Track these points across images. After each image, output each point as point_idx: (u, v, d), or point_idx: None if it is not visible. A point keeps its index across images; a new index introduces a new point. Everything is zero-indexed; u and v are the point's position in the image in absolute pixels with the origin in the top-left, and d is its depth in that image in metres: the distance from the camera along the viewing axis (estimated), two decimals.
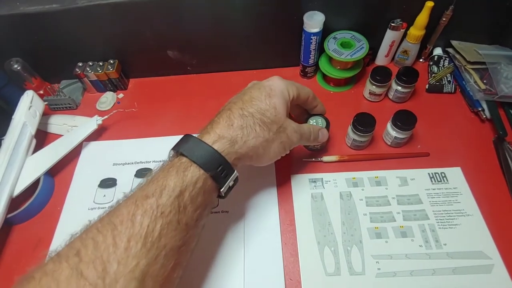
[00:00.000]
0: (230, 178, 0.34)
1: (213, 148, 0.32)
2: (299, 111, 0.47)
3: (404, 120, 0.46)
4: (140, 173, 0.50)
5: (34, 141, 0.51)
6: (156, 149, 0.53)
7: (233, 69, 0.62)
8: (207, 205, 0.33)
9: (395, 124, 0.46)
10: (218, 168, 0.32)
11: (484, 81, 0.52)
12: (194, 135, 0.34)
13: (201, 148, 0.32)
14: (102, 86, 0.60)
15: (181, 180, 0.30)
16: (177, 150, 0.33)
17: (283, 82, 0.38)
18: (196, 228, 0.32)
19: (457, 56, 0.56)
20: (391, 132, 0.47)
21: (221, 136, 0.33)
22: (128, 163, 0.52)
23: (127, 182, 0.49)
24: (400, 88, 0.52)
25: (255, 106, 0.35)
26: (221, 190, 0.33)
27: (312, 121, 0.47)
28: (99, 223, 0.28)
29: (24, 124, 0.49)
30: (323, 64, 0.56)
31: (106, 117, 0.54)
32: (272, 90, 0.37)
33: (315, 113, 0.46)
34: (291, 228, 0.44)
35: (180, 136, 0.54)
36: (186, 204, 0.30)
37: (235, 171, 0.34)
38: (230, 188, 0.35)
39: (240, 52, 0.59)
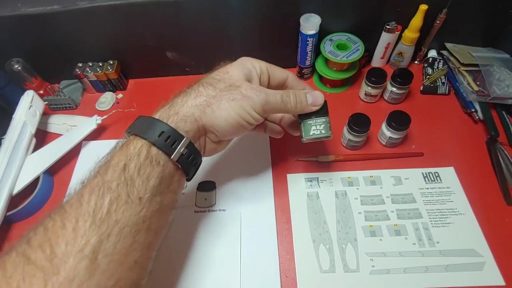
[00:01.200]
0: (180, 145, 0.31)
1: (152, 117, 0.32)
2: None
3: (399, 120, 0.47)
4: None
5: (34, 140, 0.51)
6: None
7: None
8: (161, 178, 0.30)
9: (389, 124, 0.47)
10: (160, 134, 0.30)
11: (477, 83, 0.53)
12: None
13: (142, 121, 0.32)
14: (102, 86, 0.61)
15: (125, 153, 0.29)
16: (126, 130, 0.32)
17: (248, 58, 0.37)
18: (154, 204, 0.30)
19: (451, 58, 0.57)
20: (386, 132, 0.48)
21: (162, 105, 0.33)
22: None
23: None
24: (395, 89, 0.53)
25: (210, 77, 0.35)
26: (172, 157, 0.31)
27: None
28: (52, 211, 0.28)
29: (24, 123, 0.50)
30: (320, 66, 0.57)
31: (105, 117, 0.54)
32: (231, 64, 0.36)
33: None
34: (287, 226, 0.44)
35: None
36: (133, 177, 0.28)
37: (185, 137, 0.31)
38: (184, 156, 0.32)
39: (238, 53, 0.59)
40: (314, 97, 0.38)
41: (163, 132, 0.30)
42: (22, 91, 0.53)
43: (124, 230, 0.27)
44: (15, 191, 0.46)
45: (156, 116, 0.32)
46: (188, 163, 0.33)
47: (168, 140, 0.30)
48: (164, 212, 0.32)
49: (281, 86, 0.39)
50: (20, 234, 0.46)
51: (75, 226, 0.26)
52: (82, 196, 0.27)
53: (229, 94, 0.33)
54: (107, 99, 0.60)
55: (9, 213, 0.45)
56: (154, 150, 0.30)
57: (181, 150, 0.31)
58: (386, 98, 0.56)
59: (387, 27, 0.53)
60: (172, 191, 0.32)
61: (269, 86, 0.38)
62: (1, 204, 0.43)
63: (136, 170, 0.29)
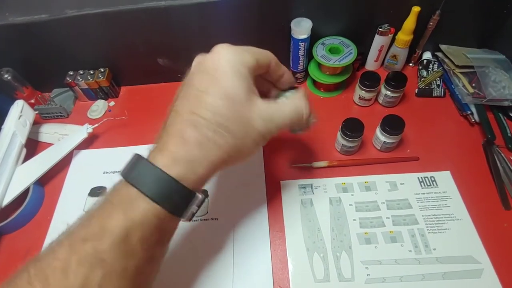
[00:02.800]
0: (193, 205, 0.27)
1: (167, 174, 0.25)
2: (267, 84, 0.36)
3: (393, 124, 0.46)
4: None
5: (24, 151, 0.51)
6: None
7: None
8: (165, 239, 0.28)
9: (383, 129, 0.46)
10: (175, 197, 0.26)
11: (473, 85, 0.52)
12: (145, 154, 0.28)
13: (152, 175, 0.25)
14: (93, 94, 0.60)
15: (127, 218, 0.24)
16: (125, 177, 0.26)
17: (231, 52, 0.29)
18: (152, 264, 0.27)
19: (446, 60, 0.56)
20: (380, 137, 0.48)
21: (176, 159, 0.26)
22: (118, 171, 0.51)
23: None
24: (389, 92, 0.52)
25: (206, 106, 0.27)
26: (183, 220, 0.28)
27: (287, 94, 0.37)
28: (32, 267, 0.24)
29: (14, 133, 0.49)
30: (313, 70, 0.56)
31: (96, 125, 0.54)
32: (217, 70, 0.28)
33: (283, 87, 0.36)
34: (281, 234, 0.43)
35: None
36: (135, 248, 0.24)
37: (199, 196, 0.27)
38: (194, 214, 0.28)
39: None
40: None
41: (178, 194, 0.26)
42: (13, 100, 0.53)
43: None
44: (4, 203, 0.45)
45: (171, 172, 0.25)
46: (193, 216, 0.29)
47: (182, 202, 0.26)
48: (160, 258, 0.28)
49: (266, 73, 0.33)
50: (10, 246, 0.45)
51: None
52: (68, 264, 0.23)
53: (248, 135, 0.28)
54: (98, 107, 0.60)
55: None
56: (165, 214, 0.25)
57: (194, 210, 0.28)
58: (380, 101, 0.55)
59: (380, 29, 0.52)
60: (169, 240, 0.29)
61: (256, 73, 0.32)
62: None
63: (139, 240, 0.24)
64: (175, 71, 0.61)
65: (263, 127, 0.29)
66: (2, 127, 0.50)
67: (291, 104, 0.32)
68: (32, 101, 0.58)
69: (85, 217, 0.26)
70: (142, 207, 0.25)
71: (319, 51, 0.53)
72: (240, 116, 0.28)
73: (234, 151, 0.28)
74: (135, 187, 0.25)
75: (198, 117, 0.27)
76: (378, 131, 0.48)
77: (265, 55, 0.33)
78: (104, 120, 0.55)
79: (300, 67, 0.56)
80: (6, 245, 0.46)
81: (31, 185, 0.48)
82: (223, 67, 0.28)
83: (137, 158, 0.27)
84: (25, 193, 0.47)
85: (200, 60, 0.31)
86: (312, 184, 0.48)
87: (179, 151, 0.26)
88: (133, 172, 0.26)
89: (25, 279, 0.23)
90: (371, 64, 0.59)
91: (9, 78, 0.54)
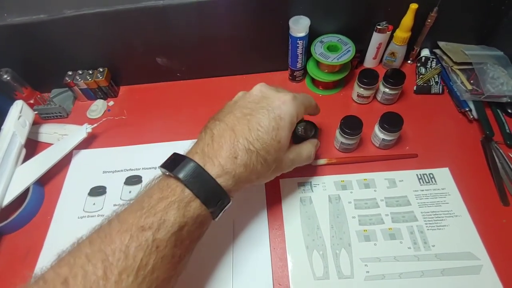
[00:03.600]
0: (226, 207, 0.33)
1: (217, 183, 0.31)
2: None
3: (391, 122, 0.46)
4: (130, 181, 0.50)
5: (24, 151, 0.51)
6: (146, 156, 0.53)
7: (222, 75, 0.63)
8: (201, 234, 0.33)
9: (382, 126, 0.46)
10: (218, 202, 0.31)
11: (471, 82, 0.52)
12: (191, 157, 0.32)
13: (205, 181, 0.31)
14: (92, 94, 0.60)
15: (182, 215, 0.29)
16: (177, 175, 0.30)
17: (293, 106, 0.36)
18: (189, 255, 0.32)
19: (444, 57, 0.56)
20: (379, 134, 0.48)
21: (225, 171, 0.31)
22: (118, 171, 0.52)
23: (116, 190, 0.49)
24: (387, 90, 0.52)
25: (261, 140, 0.33)
26: (215, 219, 0.33)
27: (300, 127, 0.47)
28: (88, 247, 0.27)
29: (14, 134, 0.50)
30: (311, 68, 0.56)
31: (95, 125, 0.54)
32: (281, 119, 0.35)
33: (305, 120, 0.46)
34: (280, 232, 0.44)
35: (169, 143, 0.54)
36: (184, 239, 0.30)
37: (231, 200, 0.33)
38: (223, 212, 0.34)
39: (229, 57, 0.60)
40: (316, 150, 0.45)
41: (221, 199, 0.32)
42: (12, 101, 0.53)
43: (161, 284, 0.28)
44: (4, 203, 0.45)
45: (219, 181, 0.31)
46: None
47: (222, 205, 0.32)
48: (192, 251, 0.33)
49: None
50: (10, 246, 0.46)
51: (117, 280, 0.26)
52: (128, 248, 0.27)
53: (274, 169, 0.37)
54: (98, 107, 0.60)
55: None
56: (208, 215, 0.32)
57: (224, 209, 0.33)
58: (379, 99, 0.55)
59: (378, 27, 0.52)
60: (202, 233, 0.34)
61: None
62: None
63: (187, 233, 0.30)
64: (173, 70, 0.61)
65: (288, 167, 0.39)
66: (2, 127, 0.50)
67: (307, 151, 0.42)
68: (32, 101, 0.58)
69: (137, 206, 0.30)
70: (194, 207, 0.30)
71: (318, 49, 0.53)
72: (279, 156, 0.36)
73: (262, 177, 0.36)
74: (190, 190, 0.30)
75: (252, 146, 0.33)
76: (376, 129, 0.48)
77: (313, 104, 0.42)
78: (104, 120, 0.55)
79: (299, 65, 0.56)
80: (7, 245, 0.46)
81: (31, 185, 0.48)
82: (285, 121, 0.35)
83: (187, 160, 0.31)
84: (25, 193, 0.47)
85: (264, 94, 0.37)
86: (311, 182, 0.48)
87: (228, 166, 0.32)
88: (187, 174, 0.30)
89: (83, 256, 0.27)
90: (369, 62, 0.59)
91: (8, 78, 0.54)
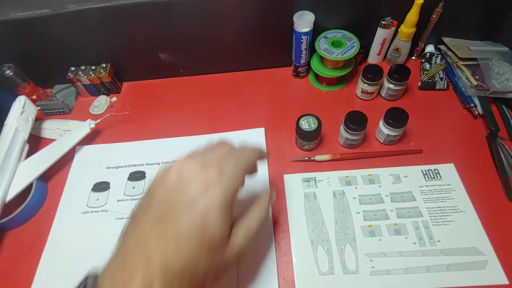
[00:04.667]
0: None
1: None
2: None
3: (396, 117, 0.46)
4: (133, 176, 0.50)
5: (27, 146, 0.51)
6: (149, 152, 0.53)
7: (225, 71, 0.62)
8: None
9: (387, 121, 0.46)
10: None
11: (476, 77, 0.52)
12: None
13: None
14: (95, 90, 0.60)
15: None
16: None
17: (223, 186, 0.27)
18: None
19: (449, 53, 0.56)
20: (384, 129, 0.47)
21: None
22: (121, 166, 0.51)
23: (120, 185, 0.49)
24: (392, 86, 0.52)
25: (184, 253, 0.25)
26: None
27: (303, 121, 0.47)
28: None
29: (17, 129, 0.49)
30: (315, 64, 0.56)
31: (98, 120, 0.54)
32: (208, 212, 0.26)
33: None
34: (284, 228, 0.43)
35: (172, 139, 0.53)
36: None
37: None
38: None
39: (232, 53, 0.59)
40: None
41: None
42: (14, 96, 0.53)
43: None
44: (8, 198, 0.45)
45: None
46: None
47: None
48: None
49: None
50: (14, 241, 0.46)
51: None
52: None
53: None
54: (100, 103, 0.60)
55: (1, 221, 0.44)
56: None
57: None
58: (383, 95, 0.55)
59: (383, 22, 0.52)
60: None
61: None
62: None
63: None
64: (176, 66, 0.61)
65: (235, 260, 0.29)
66: (5, 123, 0.50)
67: (257, 220, 0.32)
68: (34, 97, 0.58)
69: None
70: None
71: (322, 44, 0.53)
72: (215, 262, 0.27)
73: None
74: None
75: (173, 265, 0.24)
76: (381, 124, 0.48)
77: (256, 158, 0.32)
78: (107, 115, 0.55)
79: (303, 61, 0.56)
80: (10, 241, 0.46)
81: (34, 181, 0.48)
82: (215, 212, 0.26)
83: None
84: (28, 188, 0.47)
85: (185, 180, 0.27)
86: (315, 177, 0.48)
87: None
88: None
89: None
90: (373, 58, 0.59)
91: (10, 74, 0.54)
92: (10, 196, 0.46)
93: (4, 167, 0.46)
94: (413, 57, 0.60)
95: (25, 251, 0.44)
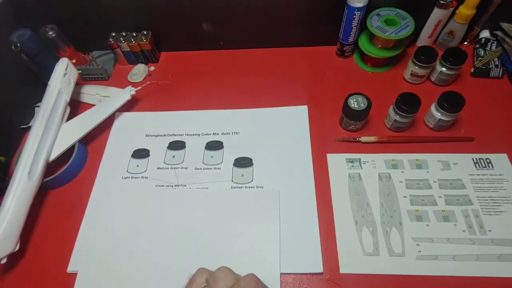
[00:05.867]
0: None
1: None
2: None
3: (452, 101, 0.44)
4: (173, 146, 0.50)
5: (68, 109, 0.51)
6: (188, 122, 0.52)
7: (266, 46, 0.61)
8: None
9: (441, 105, 0.44)
10: None
11: None
12: None
13: None
14: (134, 58, 0.59)
15: None
16: None
17: None
18: None
19: (507, 39, 0.53)
20: (435, 114, 0.46)
21: None
22: (161, 135, 0.51)
23: (160, 154, 0.49)
24: (445, 69, 0.50)
25: None
26: None
27: (352, 100, 0.45)
28: None
29: (60, 91, 0.49)
30: (363, 43, 0.54)
31: (139, 87, 0.53)
32: None
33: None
34: (327, 207, 0.43)
35: (212, 111, 0.52)
36: None
37: None
38: None
39: (275, 29, 0.57)
40: None
41: None
42: (56, 59, 0.52)
43: None
44: (52, 157, 0.45)
45: None
46: None
47: None
48: None
49: None
50: (55, 201, 0.46)
51: None
52: None
53: None
54: (139, 71, 0.59)
55: (45, 179, 0.44)
56: None
57: None
58: (433, 79, 0.52)
59: (441, 2, 0.49)
60: None
61: None
62: (39, 169, 0.43)
63: None
64: (217, 38, 0.59)
65: None
66: (48, 83, 0.49)
67: None
68: (74, 61, 0.58)
69: None
70: None
71: (374, 22, 0.50)
72: None
73: None
74: None
75: None
76: (433, 108, 0.46)
77: None
78: (148, 83, 0.54)
79: (351, 39, 0.54)
80: (52, 200, 0.46)
81: (76, 143, 0.48)
82: None
83: None
84: (70, 151, 0.47)
85: None
86: (360, 158, 0.46)
87: None
88: None
89: None
90: (423, 41, 0.56)
91: (53, 35, 0.54)
92: (53, 155, 0.46)
93: (48, 126, 0.46)
94: (466, 42, 0.57)
95: (66, 212, 0.45)
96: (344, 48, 0.56)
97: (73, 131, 0.49)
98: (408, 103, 0.44)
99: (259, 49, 0.61)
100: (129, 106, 0.55)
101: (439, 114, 0.45)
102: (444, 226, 0.40)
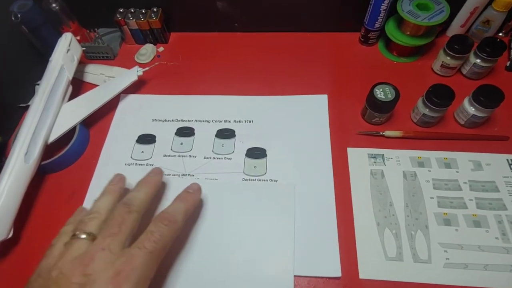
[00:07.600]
0: None
1: None
2: None
3: (489, 95, 0.40)
4: (181, 132, 0.46)
5: (70, 88, 0.47)
6: (199, 108, 0.48)
7: (283, 30, 0.56)
8: None
9: (476, 99, 0.40)
10: None
11: None
12: None
13: None
14: (142, 37, 0.56)
15: None
16: None
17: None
18: None
19: None
20: (469, 109, 0.42)
21: None
22: (168, 120, 0.48)
23: (167, 140, 0.46)
24: (479, 61, 0.46)
25: None
26: None
27: (378, 90, 0.42)
28: None
29: (62, 67, 0.46)
30: (390, 29, 0.49)
31: (147, 68, 0.49)
32: None
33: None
34: (347, 204, 0.39)
35: (224, 97, 0.49)
36: None
37: None
38: None
39: (295, 12, 0.53)
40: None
41: None
42: (59, 35, 0.48)
43: None
44: (51, 139, 0.42)
45: None
46: None
47: None
48: None
49: None
50: (55, 185, 0.43)
51: None
52: None
53: None
54: (147, 51, 0.55)
55: (43, 162, 0.41)
56: None
57: None
58: (464, 72, 0.48)
59: None
60: None
61: None
62: (36, 151, 0.40)
63: None
64: (232, 19, 0.55)
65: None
66: (50, 59, 0.46)
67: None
68: (78, 38, 0.54)
69: None
70: None
71: (405, 6, 0.46)
72: None
73: None
74: None
75: None
76: (466, 103, 0.42)
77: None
78: (156, 63, 0.50)
79: (377, 24, 0.50)
80: (51, 184, 0.43)
81: (78, 125, 0.45)
82: None
83: None
84: (70, 133, 0.44)
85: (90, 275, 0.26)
86: (383, 154, 0.43)
87: None
88: None
89: None
90: (454, 30, 0.52)
91: (57, 8, 0.50)
92: (53, 137, 0.43)
93: (48, 105, 0.43)
94: (501, 33, 0.52)
95: (66, 196, 0.42)
96: (369, 35, 0.52)
97: (74, 112, 0.45)
98: (441, 95, 0.40)
99: (276, 33, 0.57)
100: (135, 87, 0.51)
101: (473, 109, 0.41)
102: (475, 232, 0.37)
